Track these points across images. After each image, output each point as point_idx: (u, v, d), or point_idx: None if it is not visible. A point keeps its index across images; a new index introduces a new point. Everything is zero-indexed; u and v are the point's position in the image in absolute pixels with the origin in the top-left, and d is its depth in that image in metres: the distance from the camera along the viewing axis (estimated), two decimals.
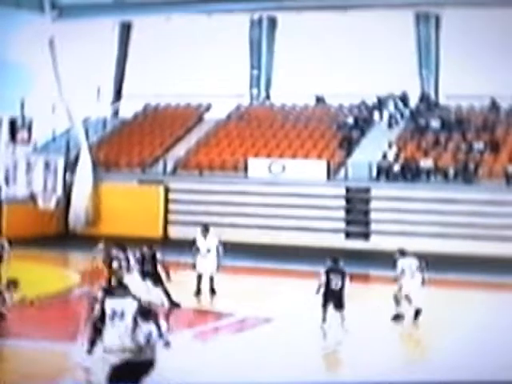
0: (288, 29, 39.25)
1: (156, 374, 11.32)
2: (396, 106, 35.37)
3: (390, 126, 34.77)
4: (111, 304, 12.90)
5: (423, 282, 17.82)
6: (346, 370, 14.37)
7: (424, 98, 36.42)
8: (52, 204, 33.59)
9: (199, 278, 20.53)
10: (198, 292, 20.49)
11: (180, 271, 24.28)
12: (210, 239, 20.71)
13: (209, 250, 20.53)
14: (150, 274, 18.83)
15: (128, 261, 19.04)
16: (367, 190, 32.01)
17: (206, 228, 20.87)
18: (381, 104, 35.77)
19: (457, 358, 14.74)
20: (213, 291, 20.55)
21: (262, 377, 13.35)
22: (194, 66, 39.68)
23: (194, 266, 20.68)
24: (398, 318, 17.73)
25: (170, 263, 28.36)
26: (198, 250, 20.56)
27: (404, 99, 35.82)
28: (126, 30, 41.91)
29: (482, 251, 28.30)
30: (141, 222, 32.97)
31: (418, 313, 17.72)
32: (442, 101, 36.46)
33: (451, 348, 15.72)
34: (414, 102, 36.19)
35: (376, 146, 33.12)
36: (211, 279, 20.60)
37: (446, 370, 13.84)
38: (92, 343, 13.52)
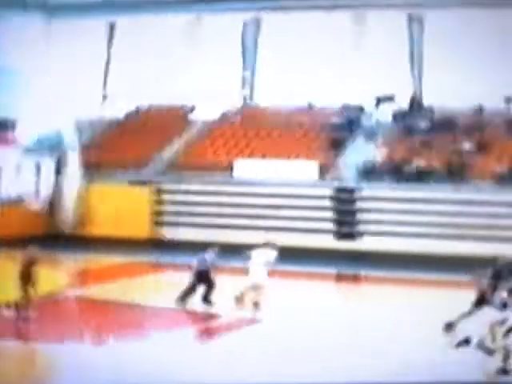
0: (279, 30, 39.17)
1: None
2: (381, 108, 35.45)
3: (375, 131, 34.63)
4: None
5: None
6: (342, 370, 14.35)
7: (413, 99, 36.49)
8: (41, 205, 33.62)
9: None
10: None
11: (177, 272, 24.21)
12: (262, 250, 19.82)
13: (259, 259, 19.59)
14: None
15: None
16: (356, 191, 32.11)
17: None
18: (370, 105, 35.86)
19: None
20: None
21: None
22: (184, 67, 39.63)
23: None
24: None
25: (162, 264, 28.28)
26: (249, 258, 19.68)
27: (392, 100, 35.89)
28: (113, 30, 41.73)
29: (470, 251, 28.35)
30: (131, 222, 32.96)
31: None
32: (431, 102, 36.52)
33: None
34: (402, 103, 36.26)
35: (365, 147, 33.22)
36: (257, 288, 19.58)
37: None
38: None
